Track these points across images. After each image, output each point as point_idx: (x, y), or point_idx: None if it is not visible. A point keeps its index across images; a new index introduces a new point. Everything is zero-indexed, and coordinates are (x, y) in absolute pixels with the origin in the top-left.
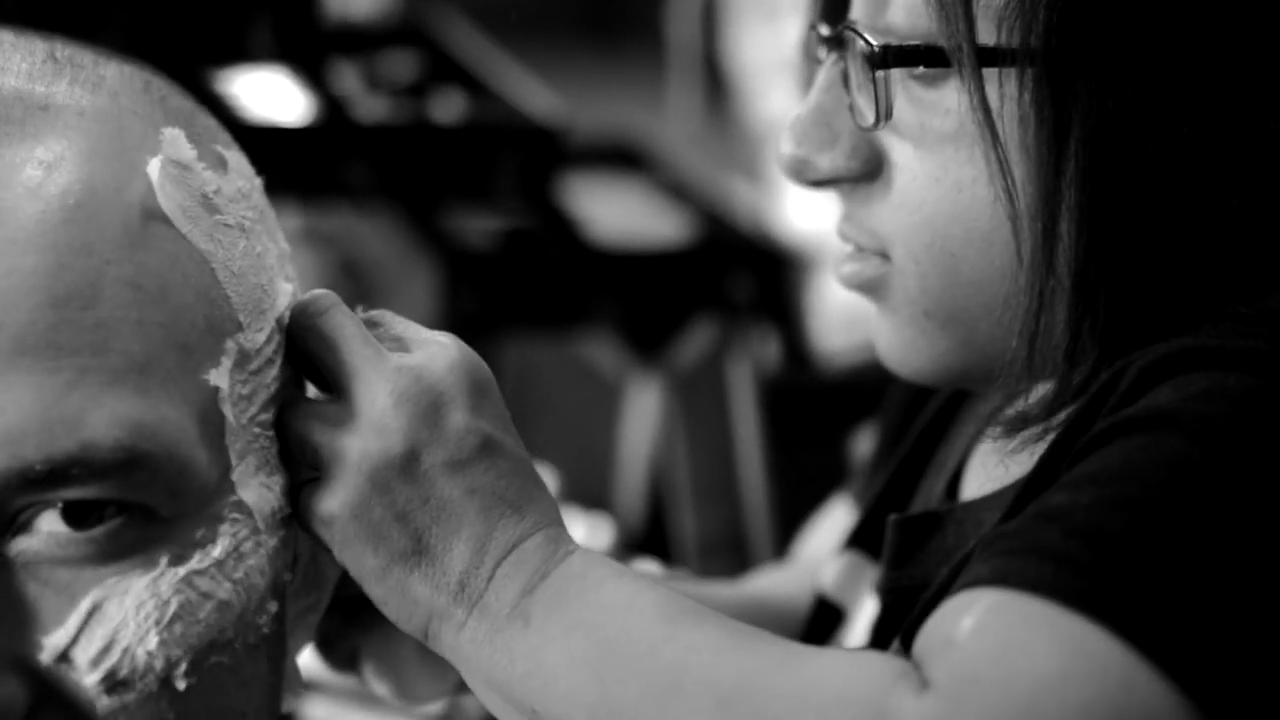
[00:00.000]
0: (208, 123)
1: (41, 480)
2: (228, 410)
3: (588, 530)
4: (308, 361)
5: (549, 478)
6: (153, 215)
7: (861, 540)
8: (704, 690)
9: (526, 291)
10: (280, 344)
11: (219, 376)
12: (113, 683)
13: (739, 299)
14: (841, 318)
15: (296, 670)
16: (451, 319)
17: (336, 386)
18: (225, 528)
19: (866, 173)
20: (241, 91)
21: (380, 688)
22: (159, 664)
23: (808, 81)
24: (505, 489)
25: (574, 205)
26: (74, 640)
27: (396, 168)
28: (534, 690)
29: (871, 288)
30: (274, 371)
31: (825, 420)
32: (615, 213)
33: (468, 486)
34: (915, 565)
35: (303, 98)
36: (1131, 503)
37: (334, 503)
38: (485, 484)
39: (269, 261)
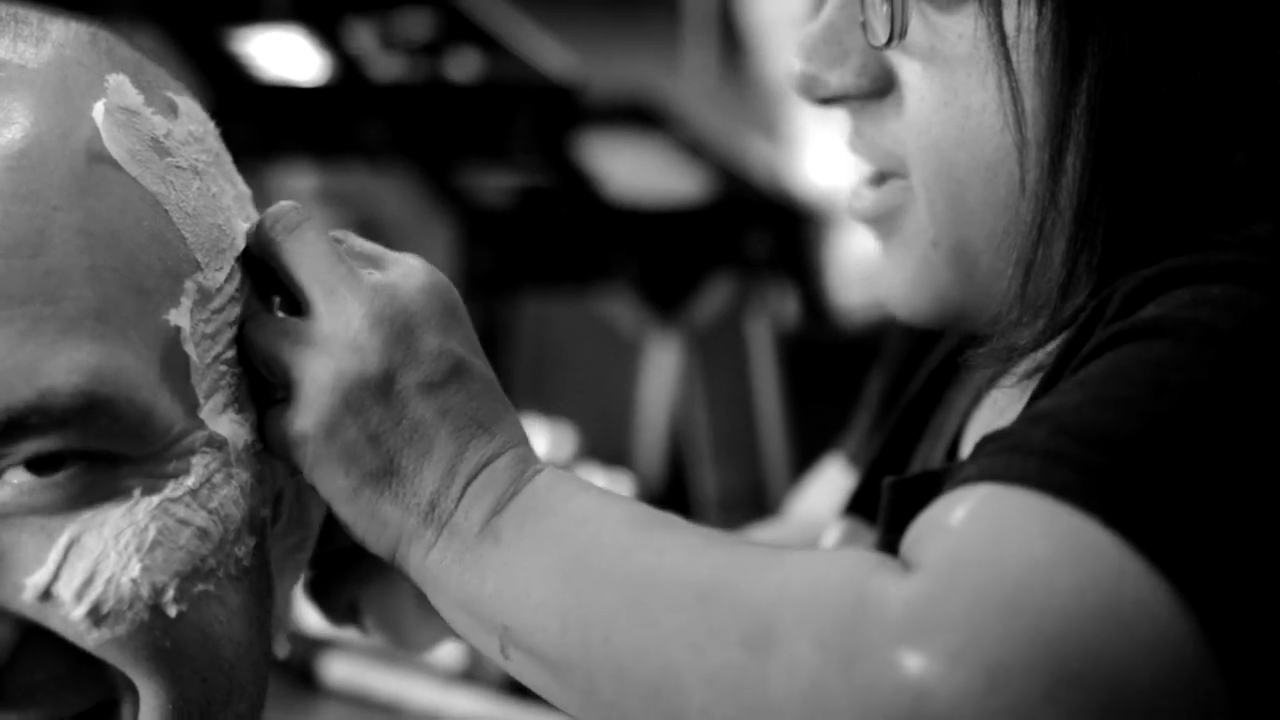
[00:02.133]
0: (157, 71)
1: (2, 431)
2: (191, 350)
3: (608, 486)
4: (274, 278)
5: (568, 435)
6: (100, 160)
7: (860, 506)
8: (680, 587)
9: (543, 249)
10: (244, 282)
11: (179, 316)
12: (100, 615)
13: (757, 255)
14: (859, 273)
15: (287, 610)
16: (468, 277)
17: (307, 304)
18: (196, 459)
19: (876, 90)
20: (256, 51)
21: (379, 637)
22: (145, 591)
23: None
24: (476, 410)
25: (590, 163)
26: (55, 576)
27: (412, 126)
28: (505, 606)
29: (887, 219)
30: (238, 310)
31: (844, 375)
32: (631, 170)
33: (440, 407)
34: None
35: (318, 57)
36: (1120, 401)
37: (305, 422)
38: (456, 405)
39: (225, 202)
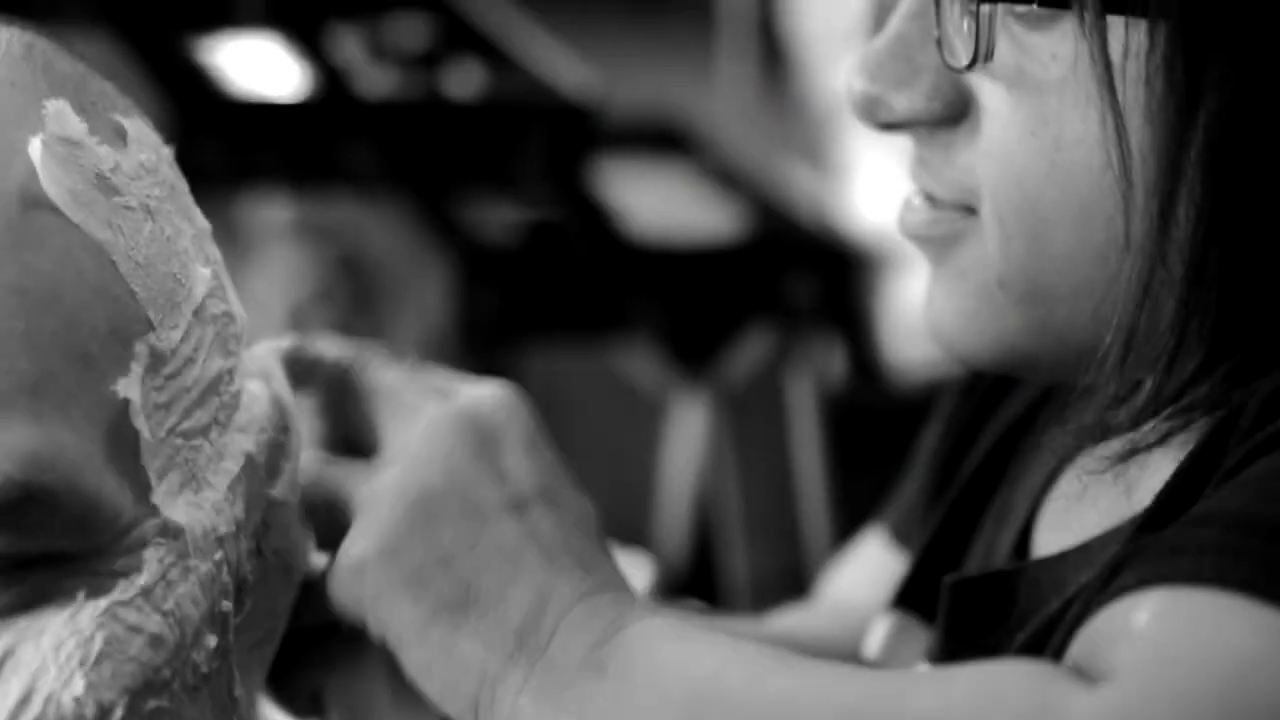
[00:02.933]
0: (102, 88)
1: None
2: (141, 424)
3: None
4: (343, 427)
5: None
6: (37, 204)
7: (911, 598)
8: (825, 709)
9: (554, 293)
10: (201, 340)
11: (128, 386)
12: None
13: (799, 303)
14: (916, 325)
15: (252, 712)
16: (468, 324)
17: (374, 442)
18: (149, 553)
19: (948, 116)
20: (227, 61)
21: None
22: (90, 711)
23: (885, 9)
24: (568, 539)
25: (608, 194)
26: None
27: (405, 149)
28: None
29: (942, 243)
30: (194, 372)
31: (896, 443)
32: (656, 203)
33: (526, 530)
34: (979, 634)
35: (298, 69)
36: None
37: (365, 542)
38: (546, 530)
39: (181, 245)
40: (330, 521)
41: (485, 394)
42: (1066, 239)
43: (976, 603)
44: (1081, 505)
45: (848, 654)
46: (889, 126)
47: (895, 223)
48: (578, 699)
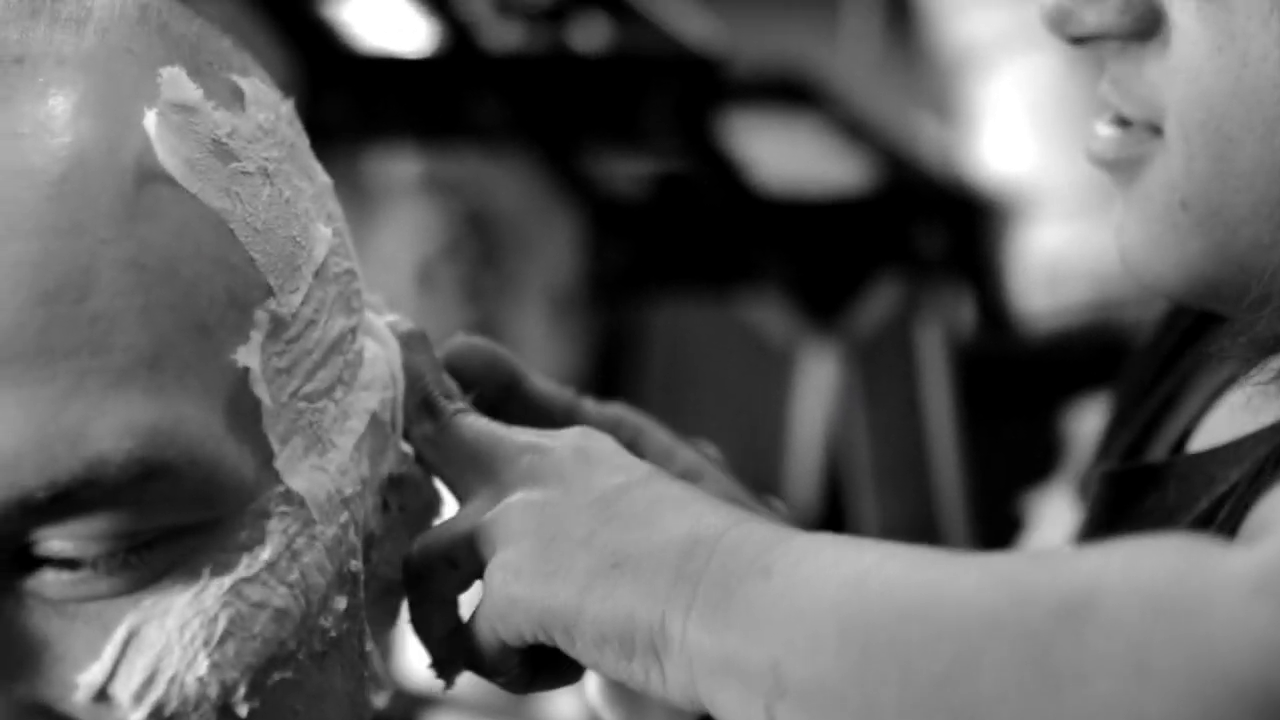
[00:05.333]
0: (219, 46)
1: (45, 507)
2: (262, 391)
3: None
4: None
5: None
6: (153, 177)
7: None
8: (981, 579)
9: (682, 246)
10: (323, 301)
11: (248, 354)
12: (162, 718)
13: (928, 253)
14: (1045, 274)
15: (384, 663)
16: (596, 277)
17: (474, 491)
18: (274, 524)
19: (1139, 31)
20: (354, 16)
21: (610, 714)
22: (213, 690)
23: None
24: (698, 494)
25: (735, 146)
26: (112, 674)
27: (532, 104)
28: (776, 638)
29: (1128, 165)
30: (316, 333)
31: (1027, 393)
32: (782, 155)
33: (654, 495)
34: (1127, 526)
35: (424, 24)
36: None
37: (504, 572)
38: (672, 493)
39: (301, 205)
40: (449, 569)
41: (577, 430)
42: (1250, 157)
43: (1126, 493)
44: (1243, 414)
45: None
46: (1079, 40)
47: (1084, 151)
48: (745, 602)
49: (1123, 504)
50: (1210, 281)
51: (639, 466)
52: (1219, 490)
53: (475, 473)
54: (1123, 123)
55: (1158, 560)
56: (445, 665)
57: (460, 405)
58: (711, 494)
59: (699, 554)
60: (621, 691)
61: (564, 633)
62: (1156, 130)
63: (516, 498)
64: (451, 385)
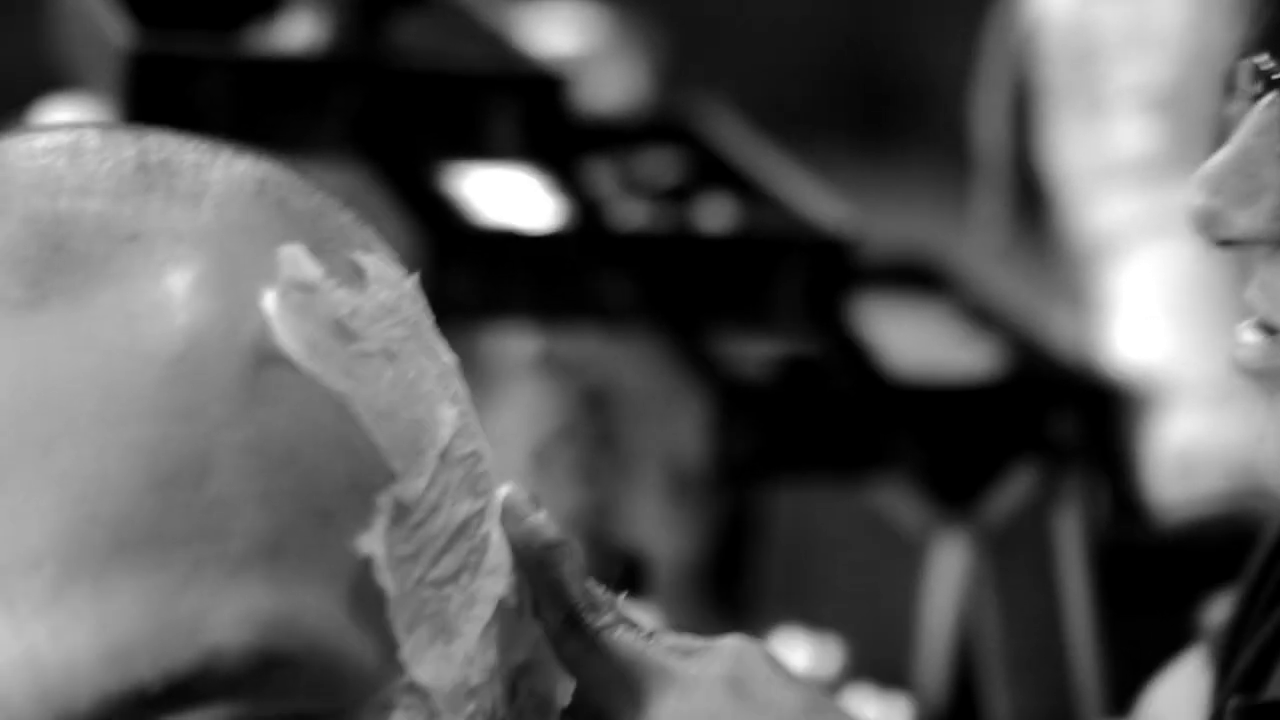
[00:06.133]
0: (340, 221)
1: (161, 699)
2: (386, 580)
3: (881, 713)
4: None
5: (834, 650)
6: (272, 358)
7: None
8: None
9: (810, 430)
10: (448, 484)
11: (371, 542)
12: None
13: (1061, 442)
14: (1179, 464)
15: None
16: (721, 459)
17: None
18: (398, 716)
19: None
20: (478, 191)
21: None
22: None
23: (1226, 122)
24: None
25: (864, 330)
26: None
27: (658, 283)
28: None
29: (1276, 375)
30: (441, 518)
31: (1163, 585)
32: (912, 340)
33: None
34: None
35: (549, 200)
36: None
37: None
38: None
39: (426, 386)
40: None
41: (730, 650)
42: None
43: None
44: None
45: None
46: (1227, 244)
47: (1230, 359)
48: None
49: None
50: None
51: (794, 701)
52: None
53: (625, 697)
54: (1269, 330)
55: None
56: None
57: (606, 620)
58: None
59: None
60: None
61: None
62: None
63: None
64: (597, 594)
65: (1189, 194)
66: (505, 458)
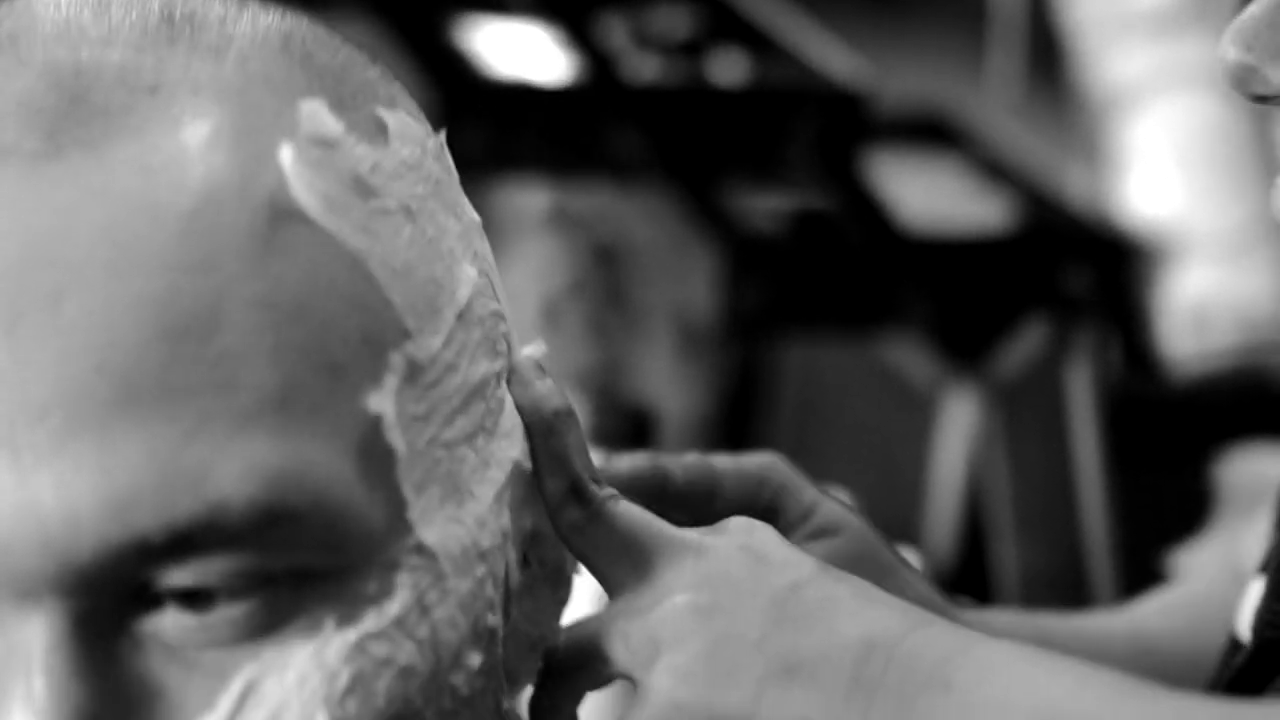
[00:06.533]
0: (365, 77)
1: (164, 550)
2: (396, 439)
3: None
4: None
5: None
6: (288, 214)
7: None
8: None
9: (822, 284)
10: (465, 344)
11: (381, 400)
12: None
13: (1073, 295)
14: (1192, 318)
15: None
16: (732, 314)
17: (629, 586)
18: (403, 577)
19: None
20: (489, 46)
21: None
22: None
23: None
24: (871, 592)
25: (878, 184)
26: None
27: (670, 137)
28: None
29: None
30: (457, 379)
31: (1175, 439)
32: (925, 194)
33: (825, 595)
34: None
35: (562, 54)
36: None
37: (672, 679)
38: (844, 592)
39: (446, 245)
40: (604, 667)
41: (740, 525)
42: None
43: None
44: None
45: (1226, 615)
46: (1263, 99)
47: (1271, 208)
48: (923, 715)
49: None
50: None
51: (806, 563)
52: None
53: (630, 567)
54: None
55: None
56: None
57: (610, 491)
58: (854, 553)
59: (875, 660)
60: None
61: None
62: None
63: (683, 600)
64: (597, 468)
65: (1221, 49)
66: (516, 314)
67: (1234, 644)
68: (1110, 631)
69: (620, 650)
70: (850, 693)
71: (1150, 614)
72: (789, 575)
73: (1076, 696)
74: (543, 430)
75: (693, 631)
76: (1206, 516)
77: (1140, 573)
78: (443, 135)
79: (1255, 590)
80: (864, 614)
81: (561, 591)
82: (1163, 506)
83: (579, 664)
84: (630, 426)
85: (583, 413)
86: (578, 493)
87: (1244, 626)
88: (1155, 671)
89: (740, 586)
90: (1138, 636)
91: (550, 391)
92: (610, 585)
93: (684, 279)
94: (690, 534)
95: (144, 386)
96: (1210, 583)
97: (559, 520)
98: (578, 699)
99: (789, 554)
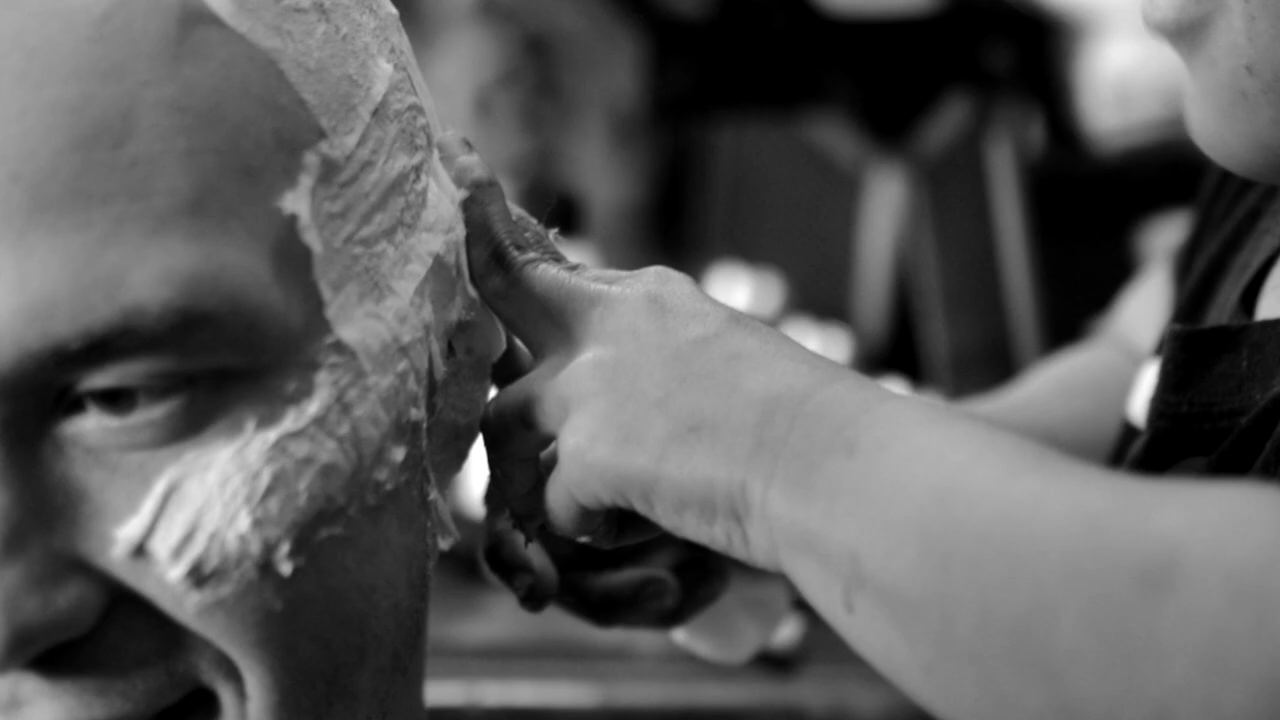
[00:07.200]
0: None
1: (81, 355)
2: (312, 239)
3: (821, 346)
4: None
5: (774, 285)
6: (198, 16)
7: None
8: (1067, 514)
9: (747, 66)
10: (382, 140)
11: (296, 200)
12: (201, 575)
13: (996, 71)
14: (1115, 92)
15: (446, 512)
16: (659, 99)
17: (549, 347)
18: (323, 376)
19: None
20: None
21: (700, 647)
22: (255, 548)
23: None
24: (779, 347)
25: None
26: (150, 529)
27: None
28: (856, 527)
29: (1189, 30)
30: (373, 175)
31: (1099, 211)
32: None
33: (730, 351)
34: (1197, 389)
35: None
36: None
37: (578, 435)
38: (753, 345)
39: (360, 41)
40: (530, 429)
41: (653, 272)
42: None
43: (1198, 356)
44: None
45: (1123, 397)
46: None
47: (1143, 20)
48: (827, 479)
49: (1195, 364)
50: None
51: (716, 314)
52: None
53: (549, 327)
54: None
55: (1245, 534)
56: (526, 521)
57: (531, 256)
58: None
59: (780, 420)
60: (708, 625)
61: (642, 499)
62: None
63: (587, 356)
64: (522, 234)
65: None
66: (447, 106)
67: (1129, 429)
68: (1010, 423)
69: (539, 413)
70: (754, 452)
71: (1052, 399)
72: (695, 329)
73: (973, 470)
74: (465, 202)
75: (596, 389)
76: (1130, 286)
77: (1067, 343)
78: None
79: (1149, 375)
80: (769, 370)
81: (486, 377)
82: (1087, 278)
83: (508, 429)
84: (558, 210)
85: (513, 200)
86: (499, 258)
87: (1138, 412)
88: None
89: (645, 340)
90: (1038, 425)
91: (473, 163)
92: (535, 348)
93: (612, 67)
94: (601, 284)
95: (58, 194)
96: (1108, 361)
97: (483, 288)
98: (524, 465)
99: (698, 305)
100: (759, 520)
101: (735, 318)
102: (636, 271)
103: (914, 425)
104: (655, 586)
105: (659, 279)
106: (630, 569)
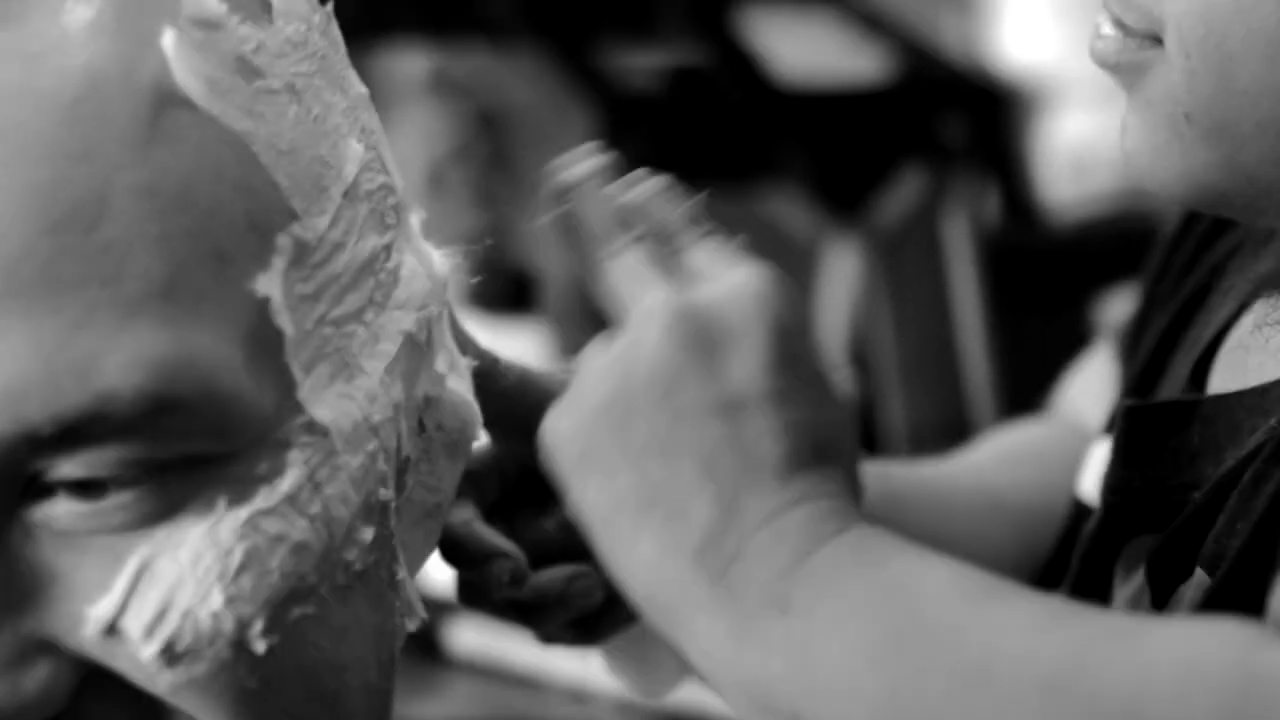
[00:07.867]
0: None
1: (52, 441)
2: (284, 321)
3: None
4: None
5: None
6: (171, 100)
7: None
8: (1021, 676)
9: (700, 140)
10: (353, 221)
11: (268, 283)
12: (174, 653)
13: (951, 144)
14: (1070, 163)
15: (414, 593)
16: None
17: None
18: (294, 455)
19: None
20: None
21: (622, 675)
22: (228, 625)
23: None
24: (775, 446)
25: (753, 38)
26: (122, 607)
27: None
28: (797, 692)
29: (1130, 71)
30: (345, 256)
31: (1055, 284)
32: (800, 47)
33: (727, 435)
34: (1149, 464)
35: None
36: None
37: (565, 420)
38: (751, 436)
39: (332, 122)
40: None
41: (726, 285)
42: (1253, 75)
43: (1150, 431)
44: (1263, 355)
45: (1068, 470)
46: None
47: (1089, 50)
48: (761, 637)
49: (1147, 440)
50: (1219, 191)
51: (756, 377)
52: (1249, 444)
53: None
54: (1124, 27)
55: (1211, 676)
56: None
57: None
58: None
59: (724, 550)
60: (629, 650)
61: (585, 522)
62: (1157, 39)
63: (608, 360)
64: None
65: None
66: (401, 180)
67: (1078, 506)
68: (957, 486)
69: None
70: (694, 568)
71: (998, 466)
72: (716, 391)
73: (916, 618)
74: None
75: (585, 395)
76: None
77: (1024, 416)
78: (330, 7)
79: (1100, 452)
80: (744, 477)
81: (459, 457)
82: (1044, 351)
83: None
84: (513, 289)
85: (466, 276)
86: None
87: (1089, 488)
88: (1005, 524)
89: (659, 373)
90: (984, 490)
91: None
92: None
93: (565, 141)
94: (671, 288)
95: (29, 279)
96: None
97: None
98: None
99: (749, 363)
100: (677, 633)
101: (773, 392)
102: (731, 270)
103: (846, 574)
104: (583, 580)
105: (732, 297)
106: (557, 566)
